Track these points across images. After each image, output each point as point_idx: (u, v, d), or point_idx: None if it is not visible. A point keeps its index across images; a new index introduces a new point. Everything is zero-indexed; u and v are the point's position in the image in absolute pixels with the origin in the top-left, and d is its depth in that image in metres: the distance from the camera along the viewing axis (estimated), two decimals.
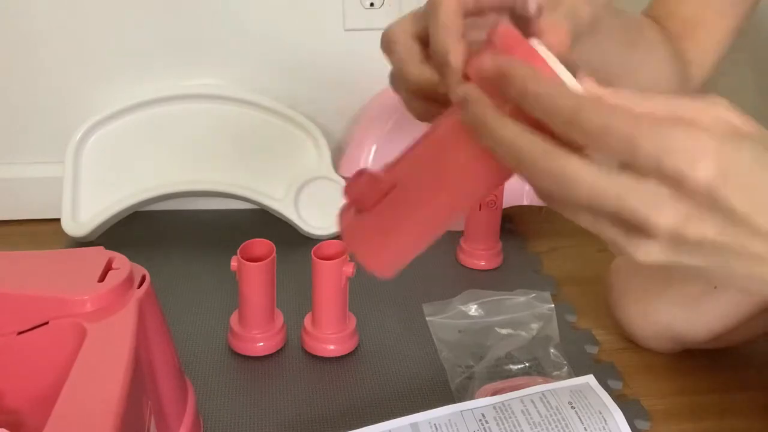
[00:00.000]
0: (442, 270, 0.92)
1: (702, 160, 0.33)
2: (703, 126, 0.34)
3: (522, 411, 0.59)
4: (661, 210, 0.34)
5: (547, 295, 0.79)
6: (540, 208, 1.02)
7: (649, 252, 0.36)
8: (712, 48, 0.69)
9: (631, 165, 0.34)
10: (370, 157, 0.97)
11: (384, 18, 0.98)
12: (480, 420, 0.58)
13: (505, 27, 0.39)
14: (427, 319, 0.79)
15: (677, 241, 0.35)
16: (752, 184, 0.35)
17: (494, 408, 0.59)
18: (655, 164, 0.34)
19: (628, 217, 0.35)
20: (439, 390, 0.70)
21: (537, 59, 0.38)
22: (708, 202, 0.34)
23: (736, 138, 0.34)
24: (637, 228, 0.35)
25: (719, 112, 0.36)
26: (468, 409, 0.60)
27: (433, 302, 0.81)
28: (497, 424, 0.58)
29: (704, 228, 0.35)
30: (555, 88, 0.35)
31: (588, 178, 0.34)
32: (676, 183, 0.34)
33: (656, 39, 0.67)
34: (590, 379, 0.63)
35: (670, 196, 0.34)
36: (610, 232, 0.36)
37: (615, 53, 0.58)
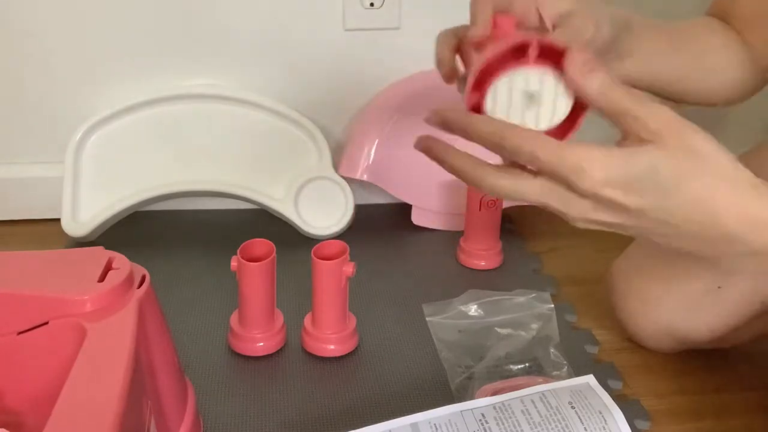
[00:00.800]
0: (442, 270, 0.92)
1: (586, 172, 0.43)
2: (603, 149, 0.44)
3: (522, 411, 0.59)
4: (571, 205, 0.46)
5: (546, 295, 0.79)
6: (540, 208, 1.02)
7: (574, 220, 0.47)
8: (765, 46, 0.69)
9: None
10: (370, 157, 0.97)
11: (384, 18, 0.98)
12: (480, 420, 0.58)
13: (501, 18, 0.51)
14: (427, 319, 0.79)
15: (592, 222, 0.47)
16: (641, 187, 0.44)
17: (494, 408, 0.59)
18: (552, 172, 0.44)
19: (553, 206, 0.46)
20: (439, 390, 0.70)
21: (519, 41, 0.45)
22: (600, 201, 0.45)
23: (634, 152, 0.44)
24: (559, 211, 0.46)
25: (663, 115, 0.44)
26: (468, 409, 0.60)
27: (433, 302, 0.81)
28: (497, 424, 0.58)
29: (605, 216, 0.46)
30: (476, 125, 0.46)
31: (506, 184, 0.46)
32: (571, 188, 0.44)
33: (712, 39, 0.69)
34: (590, 379, 0.63)
35: (574, 197, 0.45)
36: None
37: (659, 62, 0.65)
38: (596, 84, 0.44)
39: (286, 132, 0.98)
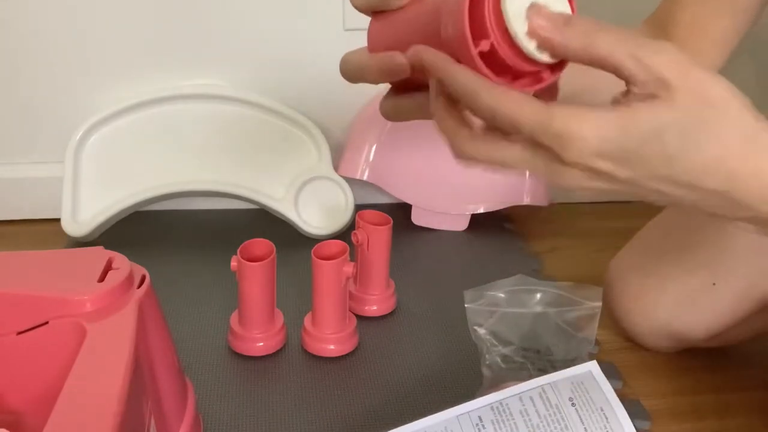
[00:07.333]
0: (441, 269, 0.92)
1: (574, 142, 0.38)
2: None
3: (520, 411, 0.58)
4: (560, 175, 0.40)
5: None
6: (539, 208, 1.02)
7: (567, 189, 0.41)
8: (712, 50, 0.69)
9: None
10: (370, 157, 0.97)
11: None
12: (477, 425, 0.58)
13: None
14: (466, 306, 0.72)
15: (587, 189, 0.41)
16: (639, 158, 0.38)
17: (492, 409, 0.58)
18: (535, 138, 0.38)
19: (540, 174, 0.40)
20: (440, 391, 0.70)
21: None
22: (591, 171, 0.39)
23: (633, 116, 0.38)
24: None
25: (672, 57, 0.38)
26: (465, 413, 0.59)
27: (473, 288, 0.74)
28: (494, 428, 0.57)
29: (600, 184, 0.40)
30: (459, 77, 0.39)
31: (483, 149, 0.41)
32: (558, 157, 0.39)
33: None
34: (593, 367, 0.61)
35: (563, 167, 0.39)
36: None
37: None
38: (577, 33, 0.37)
39: (287, 132, 0.98)
